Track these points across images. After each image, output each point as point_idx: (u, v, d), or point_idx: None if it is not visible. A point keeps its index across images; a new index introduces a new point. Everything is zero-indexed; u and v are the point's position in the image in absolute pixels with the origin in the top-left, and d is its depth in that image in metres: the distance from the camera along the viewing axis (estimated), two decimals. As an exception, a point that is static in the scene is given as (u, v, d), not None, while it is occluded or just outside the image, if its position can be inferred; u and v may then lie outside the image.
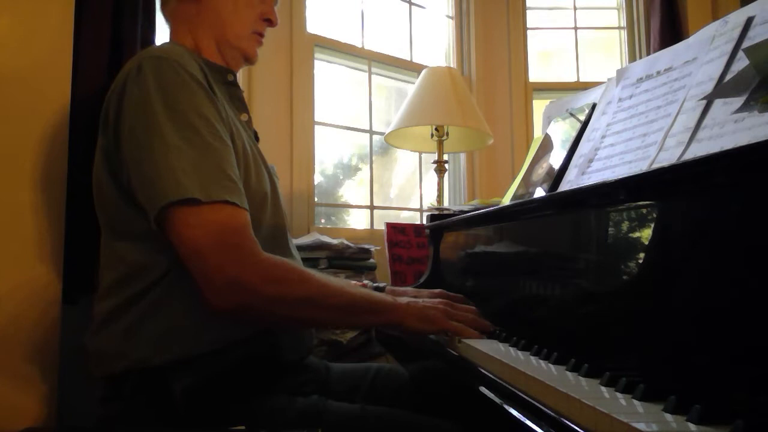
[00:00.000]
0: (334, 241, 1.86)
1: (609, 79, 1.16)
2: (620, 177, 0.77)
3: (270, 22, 1.13)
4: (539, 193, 1.16)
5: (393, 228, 2.09)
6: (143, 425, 0.85)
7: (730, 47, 0.85)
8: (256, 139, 1.14)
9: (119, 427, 0.87)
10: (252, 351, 0.92)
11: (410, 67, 2.81)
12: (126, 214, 0.90)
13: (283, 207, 1.08)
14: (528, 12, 3.01)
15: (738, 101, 0.75)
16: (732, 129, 0.75)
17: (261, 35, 1.13)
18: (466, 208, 1.56)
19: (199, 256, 0.81)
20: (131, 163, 0.87)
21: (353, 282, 1.08)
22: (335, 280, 0.93)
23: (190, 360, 0.86)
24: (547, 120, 1.40)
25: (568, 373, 0.65)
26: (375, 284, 1.26)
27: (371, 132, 2.69)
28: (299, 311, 0.87)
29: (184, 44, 1.05)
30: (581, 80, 2.96)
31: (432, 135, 2.31)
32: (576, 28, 3.07)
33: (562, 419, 0.55)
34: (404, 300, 0.96)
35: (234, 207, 0.84)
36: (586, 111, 1.18)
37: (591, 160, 1.05)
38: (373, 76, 2.70)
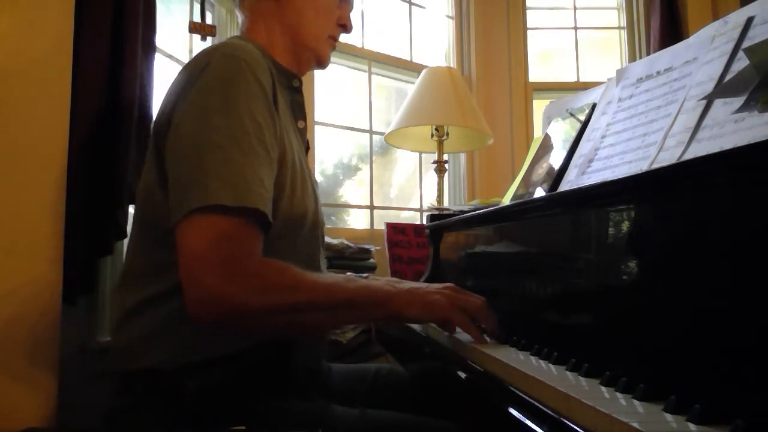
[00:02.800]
0: (334, 241, 1.86)
1: (609, 79, 1.16)
2: (620, 177, 0.77)
3: (345, 27, 1.14)
4: (539, 193, 1.16)
5: (393, 228, 2.09)
6: (150, 422, 0.84)
7: (730, 47, 0.85)
8: (306, 148, 1.12)
9: (125, 424, 0.87)
10: (267, 357, 0.90)
11: (410, 67, 2.81)
12: (159, 208, 0.88)
13: (321, 216, 1.07)
14: (528, 12, 3.01)
15: (738, 101, 0.75)
16: (732, 129, 0.75)
17: (335, 40, 1.14)
18: (466, 208, 1.56)
19: (188, 260, 0.78)
20: (175, 156, 0.86)
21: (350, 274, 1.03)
22: (331, 279, 0.89)
23: (206, 364, 0.85)
24: (547, 120, 1.40)
25: (568, 373, 0.65)
26: (375, 279, 1.26)
27: (371, 132, 2.69)
28: (292, 318, 0.83)
29: (257, 41, 1.05)
30: (581, 80, 2.96)
31: (432, 135, 2.31)
32: (576, 28, 3.07)
33: (562, 419, 0.55)
34: (405, 286, 0.91)
35: (252, 219, 0.81)
36: (586, 111, 1.18)
37: (591, 160, 1.05)
38: (373, 76, 2.70)
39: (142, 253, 0.92)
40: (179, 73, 0.93)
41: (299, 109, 1.08)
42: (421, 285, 0.92)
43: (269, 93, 0.90)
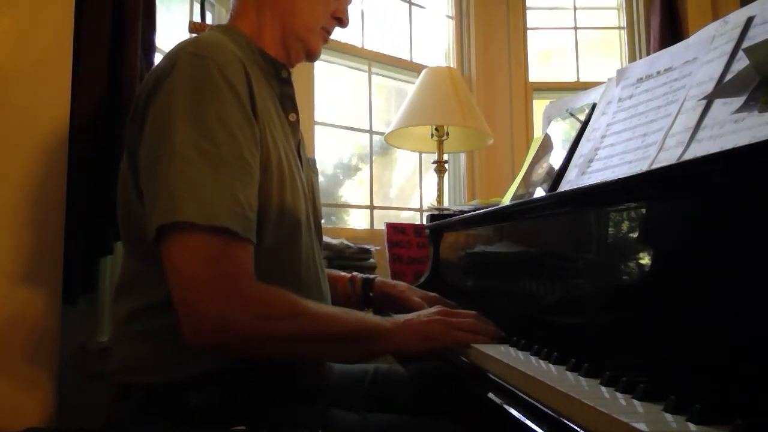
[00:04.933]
0: (335, 241, 1.86)
1: (609, 79, 1.16)
2: (620, 177, 0.77)
3: (340, 21, 1.09)
4: (539, 193, 1.16)
5: (393, 228, 2.09)
6: (151, 427, 0.83)
7: (730, 47, 0.85)
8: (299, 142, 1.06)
9: (126, 428, 0.86)
10: (270, 366, 0.88)
11: (410, 67, 2.81)
12: (139, 217, 0.84)
13: (319, 217, 1.03)
14: (528, 12, 3.01)
15: (738, 101, 0.75)
16: (732, 129, 0.75)
17: (328, 33, 1.09)
18: (466, 208, 1.56)
19: (181, 284, 0.74)
20: (143, 168, 0.82)
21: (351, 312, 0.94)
22: (331, 310, 0.86)
23: (205, 377, 0.83)
24: (547, 120, 1.40)
25: (568, 373, 0.65)
26: (364, 276, 1.25)
27: (371, 132, 2.69)
28: (291, 347, 0.81)
29: (244, 29, 1.01)
30: (581, 80, 2.96)
31: (432, 135, 2.31)
32: (576, 28, 3.07)
33: (562, 419, 0.55)
34: (401, 318, 0.89)
35: (233, 236, 0.77)
36: (586, 111, 1.18)
37: (591, 160, 1.05)
38: (373, 76, 2.70)
39: (130, 261, 0.89)
40: (151, 71, 0.88)
41: (290, 101, 1.03)
42: (412, 316, 0.90)
43: (244, 95, 0.85)
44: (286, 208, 0.90)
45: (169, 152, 0.77)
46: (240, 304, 0.76)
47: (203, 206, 0.75)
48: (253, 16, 1.02)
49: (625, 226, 0.75)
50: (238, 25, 1.02)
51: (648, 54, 2.53)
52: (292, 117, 1.03)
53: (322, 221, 1.17)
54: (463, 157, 2.88)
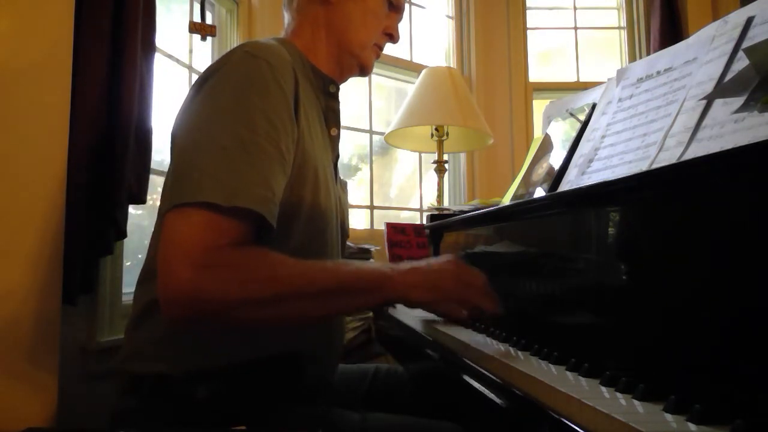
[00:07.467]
0: (334, 241, 1.86)
1: (609, 79, 1.16)
2: (620, 177, 0.77)
3: (391, 37, 1.15)
4: (539, 193, 1.16)
5: (393, 228, 2.09)
6: (154, 424, 0.83)
7: (730, 47, 0.85)
8: (336, 157, 1.10)
9: (129, 425, 0.85)
10: (278, 368, 0.88)
11: (410, 67, 2.81)
12: None
13: (347, 228, 1.06)
14: (528, 12, 3.01)
15: (738, 101, 0.75)
16: (732, 129, 0.75)
17: (381, 48, 1.14)
18: (466, 208, 1.57)
19: (164, 247, 0.74)
20: (175, 150, 0.84)
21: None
22: (319, 265, 0.83)
23: (215, 372, 0.83)
24: (547, 120, 1.40)
25: (568, 373, 0.65)
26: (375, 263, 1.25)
27: (371, 132, 2.69)
28: (275, 309, 0.77)
29: (298, 45, 1.04)
30: (581, 80, 2.96)
31: (432, 135, 2.31)
32: (576, 28, 3.08)
33: (562, 419, 0.55)
34: (406, 266, 0.85)
35: (245, 219, 0.77)
36: (586, 111, 1.18)
37: (591, 160, 1.05)
38: (373, 76, 2.70)
39: (153, 247, 0.90)
40: (203, 71, 0.91)
41: (333, 115, 1.06)
42: (422, 263, 0.87)
43: (290, 97, 0.87)
44: (317, 210, 0.91)
45: (208, 138, 0.79)
46: (215, 270, 0.73)
47: (229, 189, 0.75)
48: (309, 34, 1.06)
49: (625, 226, 0.75)
50: (292, 41, 1.05)
51: (648, 54, 2.53)
52: (333, 131, 1.06)
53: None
54: (463, 157, 2.88)
